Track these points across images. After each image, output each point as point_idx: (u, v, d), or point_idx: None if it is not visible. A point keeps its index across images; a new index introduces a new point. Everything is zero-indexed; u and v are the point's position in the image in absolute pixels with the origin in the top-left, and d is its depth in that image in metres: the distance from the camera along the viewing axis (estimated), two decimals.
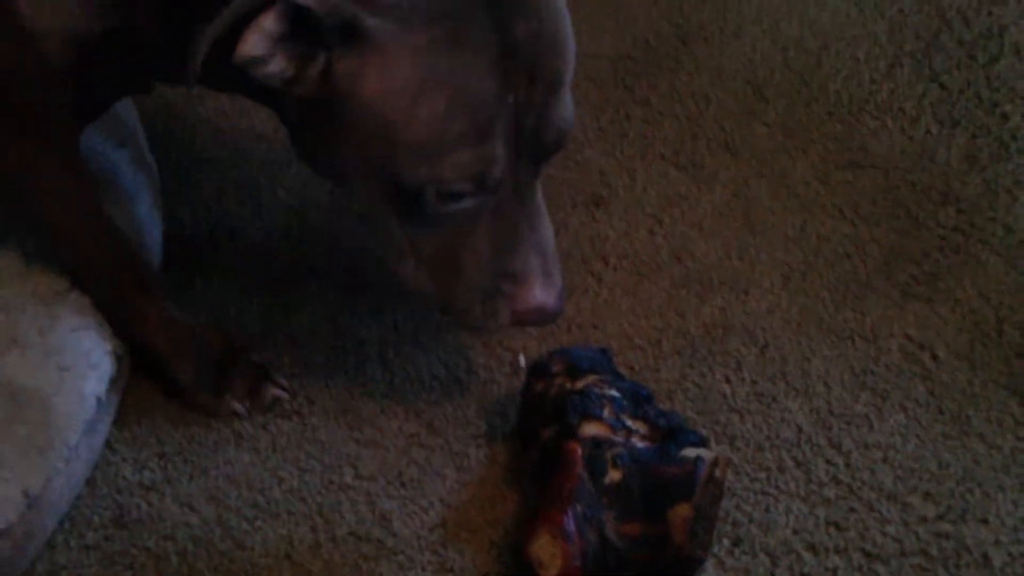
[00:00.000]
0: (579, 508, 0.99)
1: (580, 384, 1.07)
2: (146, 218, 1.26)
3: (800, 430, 1.13)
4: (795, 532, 1.05)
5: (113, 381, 1.13)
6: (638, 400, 1.07)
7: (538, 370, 1.09)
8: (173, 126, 1.45)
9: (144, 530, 1.10)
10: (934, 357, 1.18)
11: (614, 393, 1.06)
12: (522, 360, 1.21)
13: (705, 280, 1.29)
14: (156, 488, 1.13)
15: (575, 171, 1.42)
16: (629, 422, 1.04)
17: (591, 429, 1.03)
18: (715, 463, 1.00)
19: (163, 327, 1.16)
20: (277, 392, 1.18)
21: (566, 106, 0.99)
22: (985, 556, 1.03)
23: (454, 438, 1.15)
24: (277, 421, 1.18)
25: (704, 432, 1.08)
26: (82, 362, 1.11)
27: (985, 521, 1.05)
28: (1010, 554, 1.03)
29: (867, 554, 1.04)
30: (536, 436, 1.07)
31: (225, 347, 1.18)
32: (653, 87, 1.52)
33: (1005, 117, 1.42)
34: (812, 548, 1.04)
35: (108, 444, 1.16)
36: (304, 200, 1.39)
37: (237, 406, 1.16)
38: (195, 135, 1.46)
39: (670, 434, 1.03)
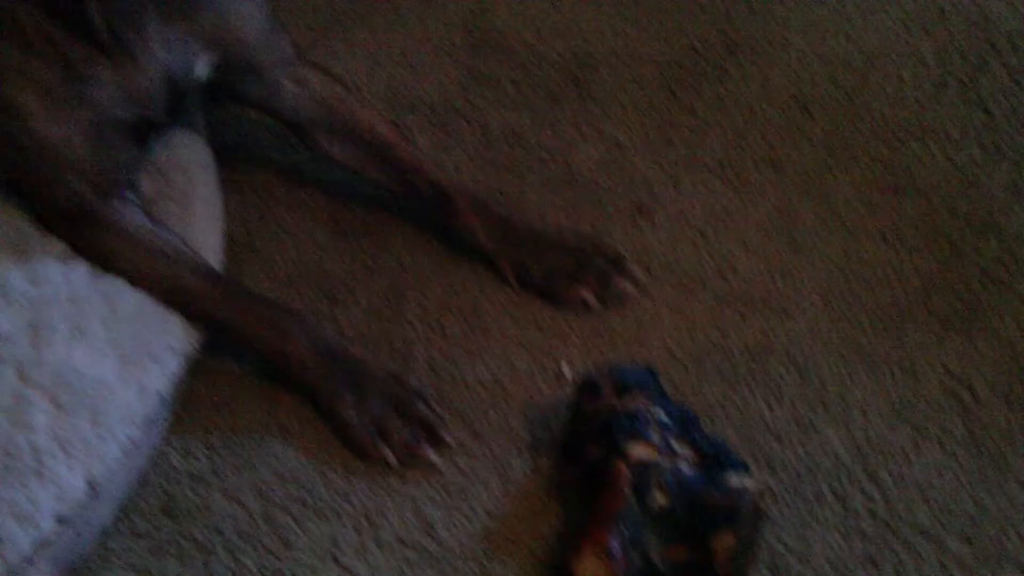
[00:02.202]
0: (624, 529, 1.01)
1: (627, 403, 1.09)
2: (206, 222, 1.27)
3: (838, 460, 1.15)
4: (832, 565, 1.07)
5: (174, 377, 1.15)
6: (685, 423, 1.09)
7: (588, 387, 1.11)
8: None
9: (192, 521, 1.12)
10: (973, 394, 1.20)
11: (662, 415, 1.08)
12: (565, 369, 1.23)
13: (747, 298, 1.30)
14: (204, 479, 1.15)
15: (620, 178, 1.43)
16: (676, 445, 1.06)
17: (639, 451, 1.05)
18: (760, 494, 1.02)
19: (314, 364, 1.17)
20: (432, 456, 1.15)
21: None
22: None
23: (498, 447, 1.17)
24: (315, 421, 1.19)
25: (747, 459, 1.10)
26: (145, 356, 1.13)
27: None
28: None
29: None
30: (582, 453, 1.09)
31: (397, 391, 1.17)
32: (699, 96, 1.53)
33: None
34: None
35: None
36: (349, 197, 1.40)
37: (389, 456, 1.14)
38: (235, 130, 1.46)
39: (715, 460, 1.06)
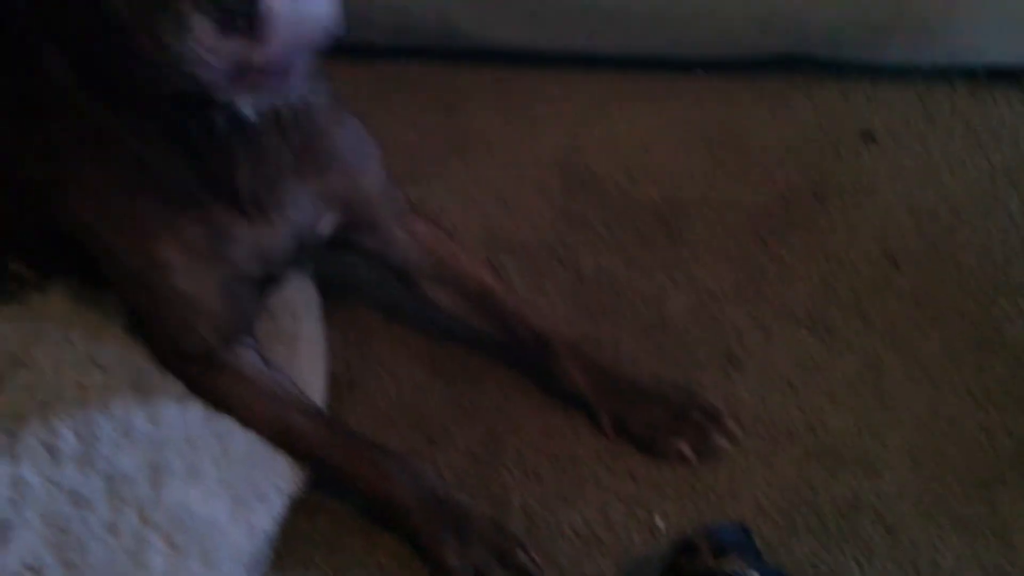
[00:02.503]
0: None
1: (725, 565, 1.11)
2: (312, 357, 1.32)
3: None
4: None
5: (279, 516, 1.19)
6: None
7: (685, 547, 1.13)
8: None
9: None
10: None
11: None
12: (659, 521, 1.26)
13: (836, 454, 1.32)
14: None
15: (711, 325, 1.47)
16: None
17: None
18: None
19: (417, 508, 1.21)
20: None
21: None
22: None
23: None
24: (413, 562, 1.22)
25: None
26: (253, 496, 1.17)
27: None
28: None
29: None
30: None
31: (498, 538, 1.20)
32: (788, 244, 1.56)
33: None
34: None
35: None
36: (448, 338, 1.44)
37: None
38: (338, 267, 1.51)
39: None
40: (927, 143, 1.70)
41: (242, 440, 1.22)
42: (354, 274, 1.52)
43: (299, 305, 1.38)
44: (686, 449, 1.29)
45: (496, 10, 1.79)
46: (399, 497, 1.21)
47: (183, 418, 1.20)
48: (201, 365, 1.22)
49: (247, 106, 1.07)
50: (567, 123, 1.78)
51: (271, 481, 1.21)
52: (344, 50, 1.05)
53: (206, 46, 0.90)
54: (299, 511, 1.25)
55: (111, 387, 1.19)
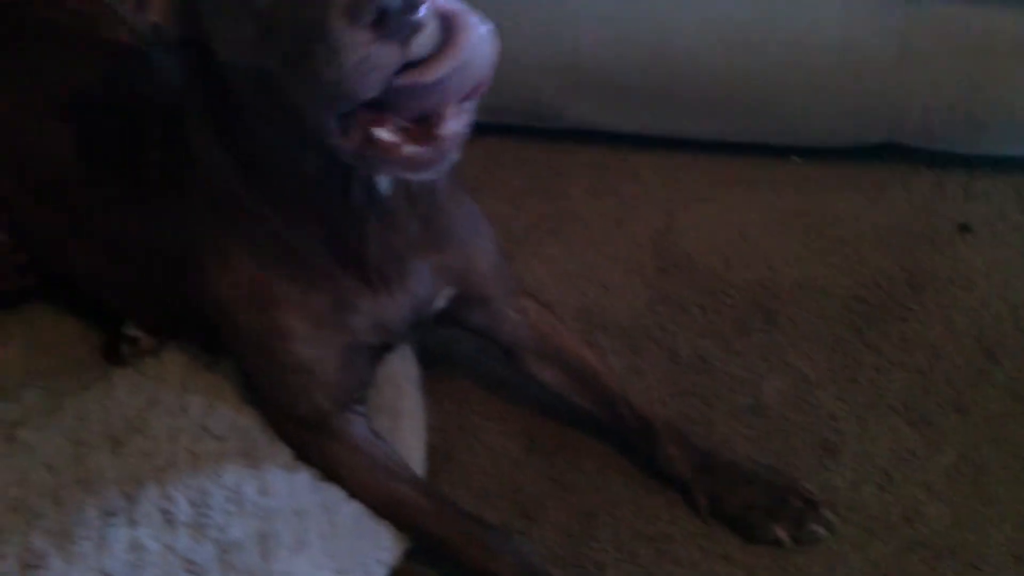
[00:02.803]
0: None
1: None
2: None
3: None
4: None
5: None
6: None
7: None
8: None
9: None
10: None
11: None
12: None
13: (934, 547, 1.32)
14: None
15: (806, 412, 1.47)
16: None
17: None
18: None
19: None
20: None
21: None
22: None
23: None
24: None
25: None
26: (357, 567, 1.19)
27: None
28: None
29: None
30: None
31: None
32: (883, 334, 1.57)
33: None
34: None
35: None
36: (544, 412, 1.46)
37: None
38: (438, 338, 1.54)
39: None
40: None
41: (348, 511, 1.24)
42: (454, 346, 1.54)
43: (401, 377, 1.41)
44: (782, 534, 1.29)
45: (597, 94, 1.83)
46: (499, 571, 1.22)
47: (292, 488, 1.23)
48: (314, 431, 1.25)
49: (384, 179, 1.13)
50: (662, 204, 1.81)
51: (374, 552, 1.23)
52: None
53: (362, 55, 0.90)
54: None
55: (223, 455, 1.23)
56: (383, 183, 1.13)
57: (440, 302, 1.30)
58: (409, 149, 0.97)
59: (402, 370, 1.42)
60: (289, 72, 0.95)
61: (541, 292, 1.58)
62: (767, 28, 1.72)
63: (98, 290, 1.45)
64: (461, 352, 1.54)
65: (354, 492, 1.24)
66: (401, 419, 1.37)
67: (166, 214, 1.24)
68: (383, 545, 1.24)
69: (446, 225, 1.25)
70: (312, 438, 1.25)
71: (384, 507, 1.25)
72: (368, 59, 0.91)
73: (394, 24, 0.90)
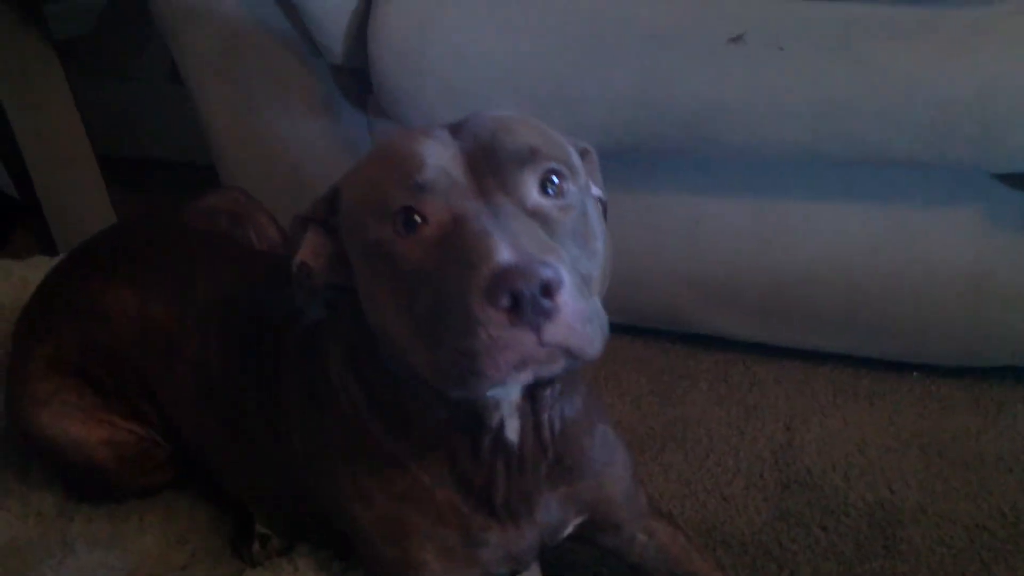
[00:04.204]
0: None
1: None
2: None
3: None
4: None
5: None
6: None
7: None
8: None
9: None
10: None
11: None
12: None
13: None
14: None
15: None
16: None
17: None
18: None
19: None
20: None
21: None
22: None
23: None
24: None
25: None
26: None
27: None
28: None
29: None
30: None
31: None
32: (1012, 569, 1.55)
33: None
34: None
35: None
36: None
37: None
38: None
39: None
40: None
41: None
42: (578, 560, 1.56)
43: None
44: None
45: (724, 303, 1.87)
46: None
47: None
48: None
49: (512, 429, 1.16)
50: (783, 415, 1.82)
51: None
52: None
53: (496, 337, 0.93)
54: None
55: None
56: (511, 431, 1.17)
57: (569, 529, 1.32)
58: None
59: None
60: (424, 344, 0.99)
61: (661, 501, 1.60)
62: (899, 245, 1.74)
63: (234, 491, 1.51)
64: (584, 567, 1.56)
65: None
66: None
67: (303, 437, 1.29)
68: None
69: (578, 459, 1.28)
70: None
71: None
72: (502, 339, 0.93)
73: (526, 309, 0.92)
